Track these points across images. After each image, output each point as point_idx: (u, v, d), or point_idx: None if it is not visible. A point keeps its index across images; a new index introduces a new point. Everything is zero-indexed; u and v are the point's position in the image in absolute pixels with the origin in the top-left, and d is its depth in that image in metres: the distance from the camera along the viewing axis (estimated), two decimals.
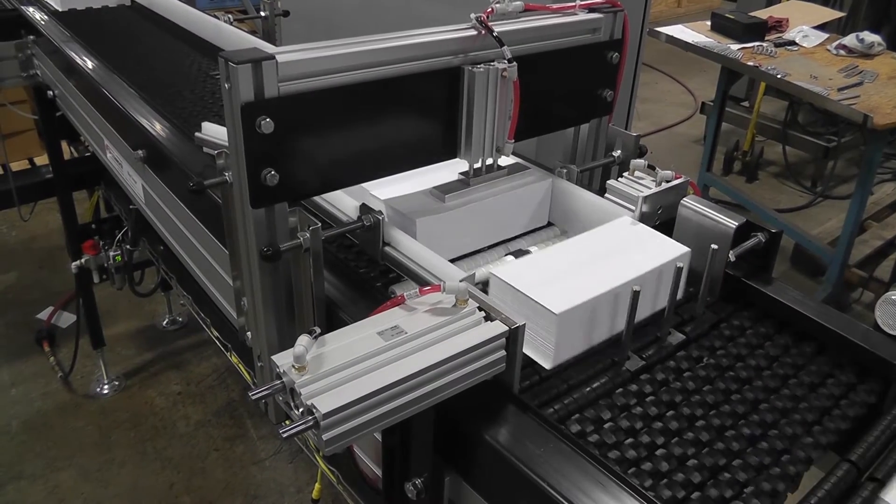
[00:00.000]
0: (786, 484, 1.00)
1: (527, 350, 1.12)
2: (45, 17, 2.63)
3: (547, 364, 1.14)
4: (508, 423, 1.00)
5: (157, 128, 1.79)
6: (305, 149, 1.12)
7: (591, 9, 1.45)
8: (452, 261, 1.33)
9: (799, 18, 4.49)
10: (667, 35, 4.34)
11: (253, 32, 2.52)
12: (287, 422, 0.92)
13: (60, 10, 2.69)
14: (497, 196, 1.45)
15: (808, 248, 4.19)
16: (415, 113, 1.27)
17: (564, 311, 1.10)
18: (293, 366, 0.91)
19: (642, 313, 1.24)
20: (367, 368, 0.93)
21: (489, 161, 1.43)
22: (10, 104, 3.14)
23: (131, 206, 2.41)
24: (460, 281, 1.10)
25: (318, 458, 1.55)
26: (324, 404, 0.86)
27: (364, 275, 1.35)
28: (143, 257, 2.86)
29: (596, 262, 1.23)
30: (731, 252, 1.30)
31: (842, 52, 4.09)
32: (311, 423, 0.87)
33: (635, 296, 1.14)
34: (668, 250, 1.28)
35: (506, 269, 1.20)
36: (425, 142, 1.31)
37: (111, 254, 3.00)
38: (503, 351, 1.02)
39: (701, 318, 1.31)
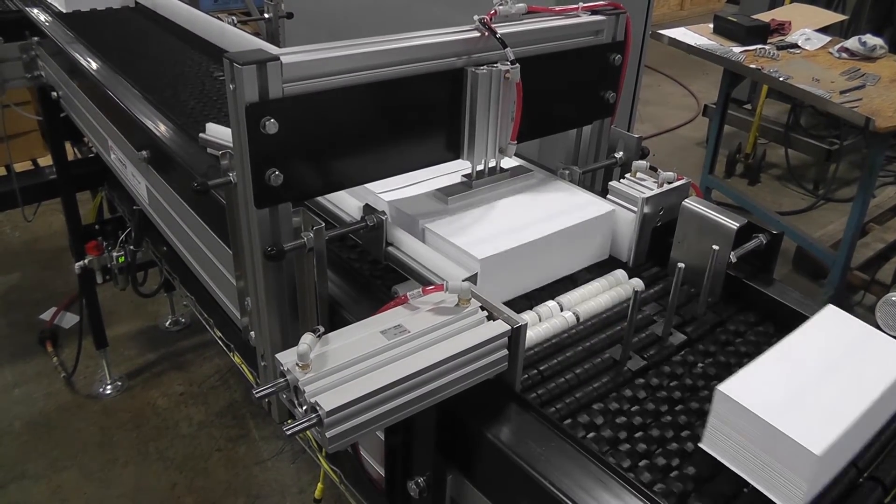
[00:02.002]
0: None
1: (756, 484, 0.94)
2: (49, 18, 2.64)
3: None
4: (510, 422, 1.00)
5: (160, 129, 1.80)
6: (309, 149, 1.13)
7: (593, 11, 1.46)
8: None
9: (801, 21, 4.49)
10: (669, 38, 4.35)
11: (256, 34, 2.53)
12: (290, 420, 0.92)
13: (64, 11, 2.71)
14: (499, 198, 1.46)
15: (810, 251, 4.19)
16: (418, 114, 1.28)
17: (826, 450, 0.88)
18: (297, 364, 0.91)
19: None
20: (371, 367, 0.94)
21: (492, 162, 1.43)
22: (14, 105, 3.16)
23: (135, 207, 2.41)
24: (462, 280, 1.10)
25: (320, 457, 1.55)
26: (327, 402, 0.87)
27: (367, 275, 1.36)
28: (147, 258, 2.87)
29: (830, 374, 1.00)
30: (732, 253, 1.30)
31: (844, 55, 4.09)
32: (314, 421, 0.88)
33: (636, 296, 1.14)
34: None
35: (736, 385, 0.96)
36: (428, 143, 1.32)
37: (114, 254, 3.01)
38: (505, 350, 1.03)
39: (702, 318, 1.31)
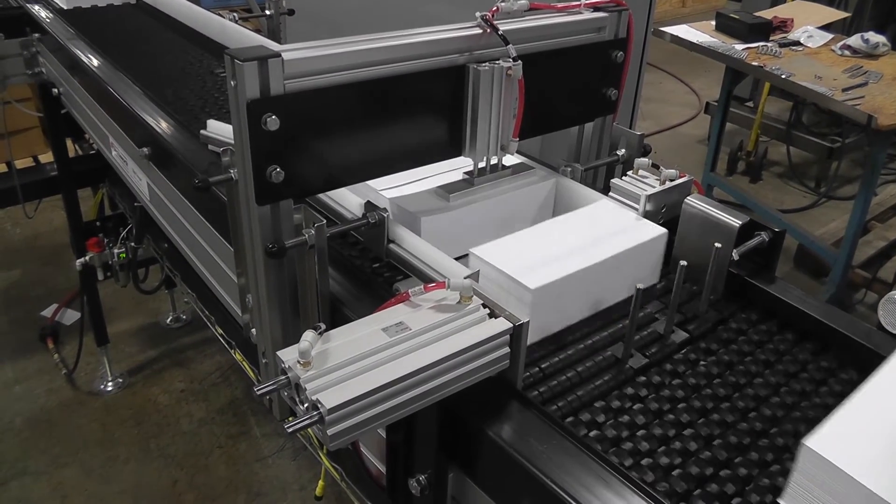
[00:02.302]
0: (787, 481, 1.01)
1: None
2: (51, 14, 2.64)
3: None
4: (512, 420, 1.00)
5: (162, 125, 1.79)
6: (311, 146, 1.13)
7: (595, 8, 1.46)
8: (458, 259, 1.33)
9: (804, 18, 4.48)
10: (671, 35, 4.35)
11: (257, 31, 2.52)
12: (291, 417, 0.92)
13: (66, 7, 2.70)
14: (501, 196, 1.46)
15: (812, 249, 4.19)
16: (420, 111, 1.27)
17: None
18: (298, 361, 0.91)
19: None
20: (372, 364, 0.94)
21: (494, 159, 1.43)
22: (15, 101, 3.15)
23: (136, 204, 2.41)
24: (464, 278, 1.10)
25: (321, 455, 1.55)
26: (329, 399, 0.87)
27: (368, 272, 1.36)
28: (148, 255, 2.87)
29: None
30: (734, 251, 1.30)
31: (846, 52, 4.08)
32: (316, 418, 0.88)
33: (638, 293, 1.14)
34: None
35: (826, 441, 0.85)
36: (430, 140, 1.31)
37: (115, 251, 3.01)
38: (507, 348, 1.03)
39: (704, 316, 1.31)
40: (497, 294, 1.14)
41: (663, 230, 1.34)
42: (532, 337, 1.16)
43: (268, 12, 2.55)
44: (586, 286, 1.24)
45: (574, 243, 1.28)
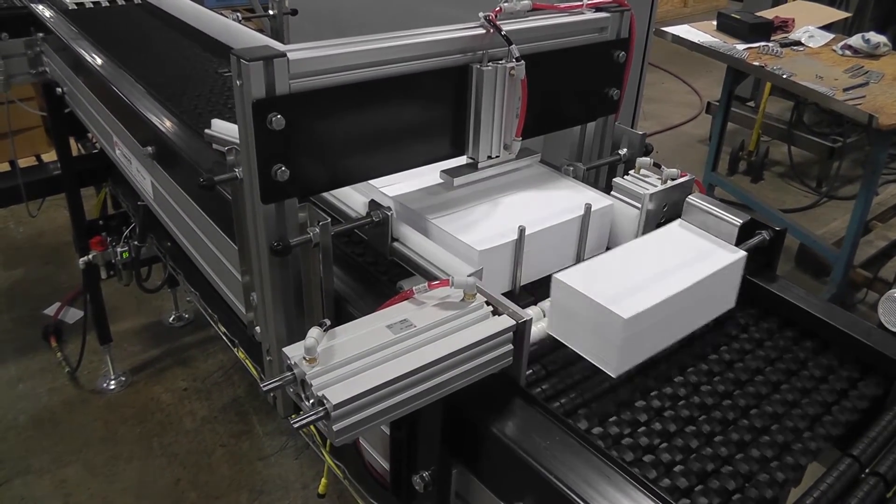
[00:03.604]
0: (788, 477, 1.02)
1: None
2: (55, 14, 2.65)
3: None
4: (515, 417, 1.01)
5: (166, 124, 1.80)
6: (316, 145, 1.14)
7: (598, 8, 1.46)
8: None
9: (805, 18, 4.49)
10: (673, 35, 4.35)
11: (260, 31, 2.53)
12: (294, 415, 0.93)
13: (69, 7, 2.71)
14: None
15: (813, 249, 4.19)
16: (423, 110, 1.28)
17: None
18: (304, 357, 0.92)
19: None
20: (377, 361, 0.95)
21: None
22: (18, 101, 3.16)
23: (139, 203, 2.42)
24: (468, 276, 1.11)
25: (324, 452, 1.56)
26: (334, 395, 0.88)
27: (372, 270, 1.36)
28: (151, 253, 2.88)
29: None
30: None
31: (847, 52, 4.09)
32: (321, 414, 0.88)
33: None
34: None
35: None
36: (434, 139, 1.32)
37: (118, 250, 3.02)
38: (510, 345, 1.04)
39: None
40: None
41: (742, 253, 1.27)
42: (621, 368, 1.11)
43: (271, 12, 2.56)
44: (673, 313, 1.17)
45: (657, 268, 1.21)
